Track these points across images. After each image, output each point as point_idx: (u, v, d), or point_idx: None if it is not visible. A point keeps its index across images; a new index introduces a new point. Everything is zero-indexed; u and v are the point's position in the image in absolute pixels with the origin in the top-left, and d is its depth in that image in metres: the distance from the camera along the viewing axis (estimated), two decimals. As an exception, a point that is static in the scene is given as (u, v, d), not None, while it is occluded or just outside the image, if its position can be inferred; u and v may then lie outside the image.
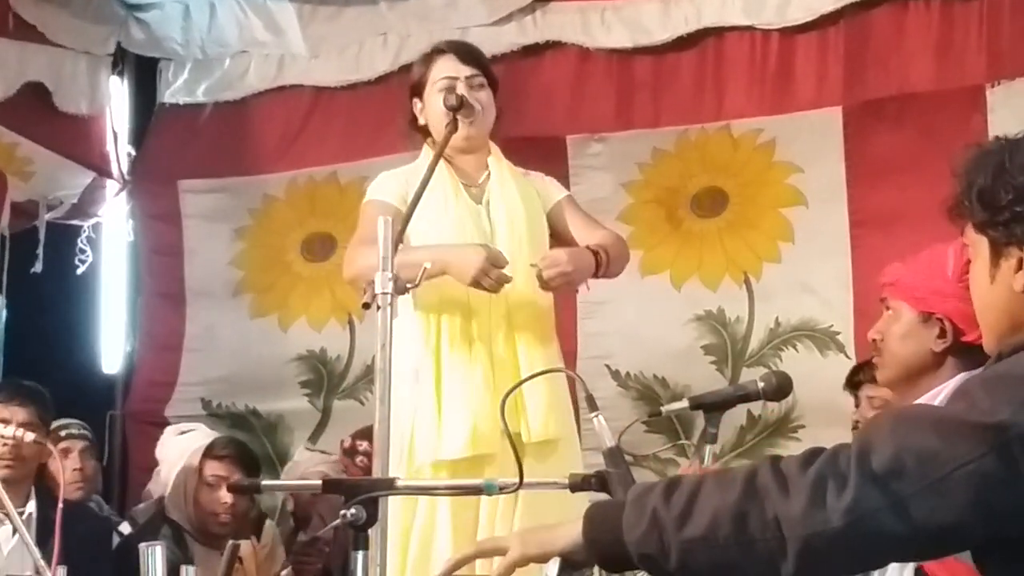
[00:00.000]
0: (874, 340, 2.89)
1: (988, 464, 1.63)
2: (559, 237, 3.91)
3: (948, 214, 1.95)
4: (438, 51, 3.92)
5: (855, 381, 4.44)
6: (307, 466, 5.33)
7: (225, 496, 4.71)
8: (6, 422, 4.25)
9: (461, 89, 3.80)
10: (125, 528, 5.19)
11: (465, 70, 3.86)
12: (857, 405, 4.41)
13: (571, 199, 4.02)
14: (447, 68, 3.86)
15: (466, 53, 3.93)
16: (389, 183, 3.88)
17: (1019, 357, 1.79)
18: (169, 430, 5.53)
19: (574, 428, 3.80)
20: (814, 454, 1.73)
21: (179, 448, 5.23)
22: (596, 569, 1.92)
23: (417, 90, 3.94)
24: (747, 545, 1.70)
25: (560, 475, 2.60)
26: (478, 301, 3.69)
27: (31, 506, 4.34)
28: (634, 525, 1.78)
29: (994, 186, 1.85)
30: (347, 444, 5.16)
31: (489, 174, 3.90)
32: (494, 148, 3.95)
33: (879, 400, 4.08)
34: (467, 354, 3.71)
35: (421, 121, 3.95)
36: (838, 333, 5.39)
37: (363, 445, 4.98)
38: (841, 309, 5.39)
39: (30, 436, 3.82)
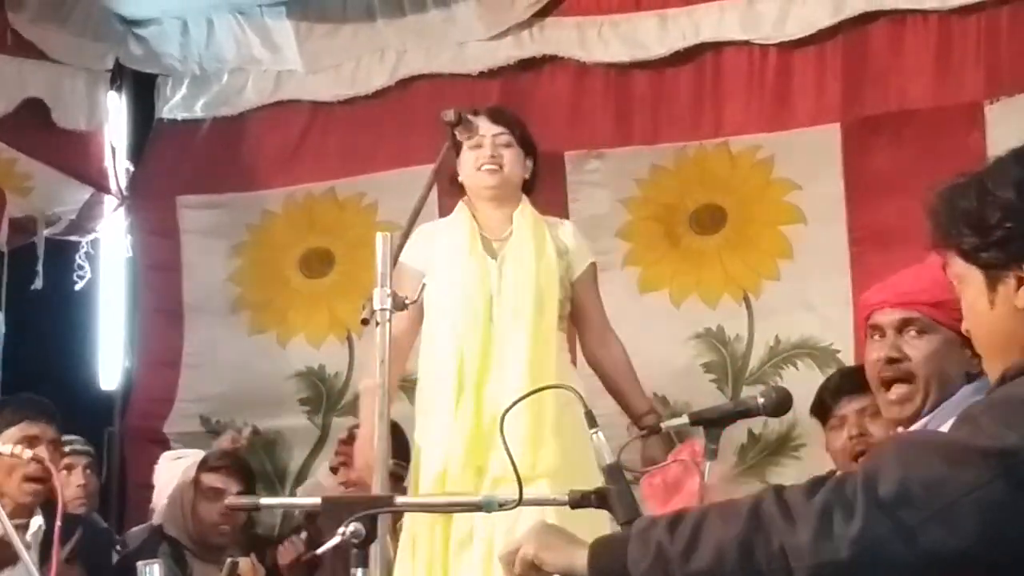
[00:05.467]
0: (891, 359, 2.82)
1: (996, 490, 1.62)
2: (573, 301, 4.20)
3: (932, 248, 1.92)
4: (474, 112, 4.11)
5: (827, 401, 3.96)
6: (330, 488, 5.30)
7: (224, 507, 4.70)
8: (37, 440, 4.23)
9: (488, 147, 4.11)
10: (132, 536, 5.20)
11: (493, 129, 4.15)
12: (833, 428, 3.94)
13: (592, 272, 4.25)
14: (476, 128, 4.02)
15: (498, 115, 4.23)
16: (415, 245, 3.96)
17: (1022, 380, 1.77)
18: (165, 456, 5.53)
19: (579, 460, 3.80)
20: (818, 482, 1.72)
21: (172, 474, 5.24)
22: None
23: (457, 149, 4.16)
24: None
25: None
26: (471, 355, 3.97)
27: (37, 521, 4.31)
28: (639, 560, 1.77)
29: (981, 208, 1.83)
30: (344, 436, 5.16)
31: (512, 231, 4.12)
32: (524, 204, 4.18)
33: (872, 408, 3.97)
34: (454, 404, 3.94)
35: (460, 178, 4.22)
36: (838, 351, 5.38)
37: None
38: (841, 327, 5.38)
39: (55, 456, 3.83)
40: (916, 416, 2.76)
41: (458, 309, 4.05)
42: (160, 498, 5.26)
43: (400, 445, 4.69)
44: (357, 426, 5.14)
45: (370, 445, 3.78)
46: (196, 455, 5.30)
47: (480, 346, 3.99)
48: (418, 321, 4.15)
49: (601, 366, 4.25)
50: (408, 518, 4.02)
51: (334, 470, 5.26)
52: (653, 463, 3.75)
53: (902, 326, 2.82)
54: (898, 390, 2.80)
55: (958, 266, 1.90)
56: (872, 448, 1.83)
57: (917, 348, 2.78)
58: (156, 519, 5.21)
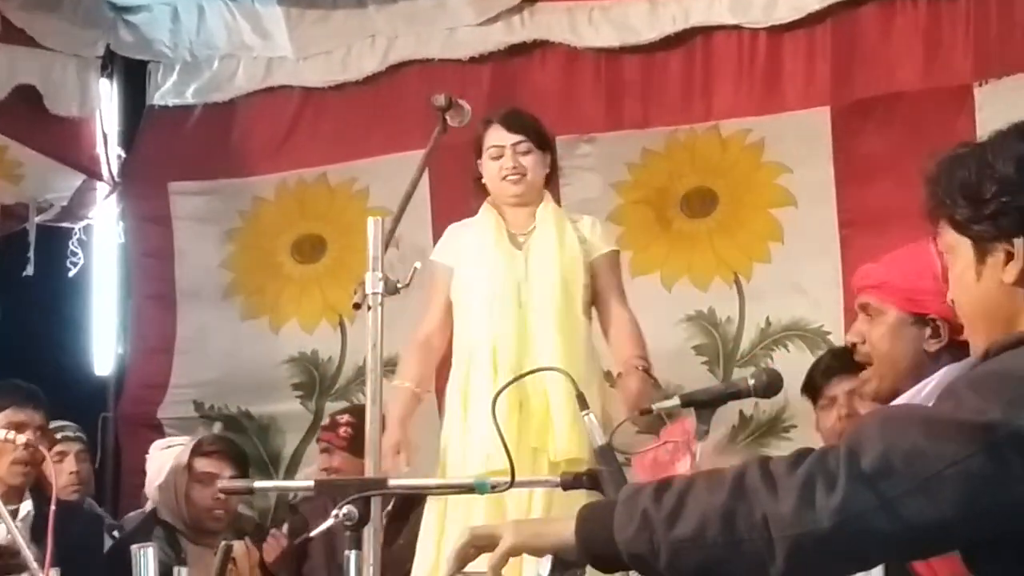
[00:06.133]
0: (854, 344, 2.88)
1: (977, 463, 1.62)
2: (593, 286, 4.31)
3: (926, 217, 1.93)
4: (488, 121, 4.34)
5: (818, 382, 4.15)
6: None
7: (217, 491, 4.71)
8: (24, 426, 4.26)
9: (508, 157, 4.26)
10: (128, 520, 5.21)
11: (511, 138, 4.29)
12: (823, 407, 4.12)
13: (611, 258, 4.38)
14: (495, 137, 4.31)
15: (512, 122, 4.34)
16: (444, 243, 4.43)
17: (1007, 355, 1.78)
18: (156, 444, 5.54)
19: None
20: (802, 454, 1.73)
21: (162, 461, 5.26)
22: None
23: (478, 153, 4.35)
24: (736, 545, 1.70)
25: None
26: (504, 339, 4.11)
27: (27, 506, 4.34)
28: (625, 525, 1.78)
29: (978, 179, 1.83)
30: (328, 422, 5.18)
31: (536, 225, 4.29)
32: (547, 200, 4.35)
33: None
34: (492, 386, 4.00)
35: (484, 181, 4.39)
36: (828, 333, 5.40)
37: (344, 418, 5.04)
38: (831, 309, 5.40)
39: (44, 441, 3.84)
40: (877, 395, 2.83)
41: (488, 297, 4.19)
42: (151, 486, 5.27)
43: None
44: (339, 413, 5.17)
45: (388, 451, 3.97)
46: (186, 442, 5.31)
47: (514, 330, 4.13)
48: (449, 319, 4.31)
49: (611, 341, 4.32)
50: (429, 504, 4.14)
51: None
52: (637, 406, 3.81)
53: (862, 311, 2.88)
54: (863, 373, 2.88)
55: (949, 236, 1.90)
56: (855, 423, 1.83)
57: (872, 329, 2.84)
58: (149, 506, 5.22)
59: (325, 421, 5.28)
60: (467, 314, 4.24)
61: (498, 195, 4.35)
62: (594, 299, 4.32)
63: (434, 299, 4.35)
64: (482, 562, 1.90)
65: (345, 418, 5.04)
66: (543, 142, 4.37)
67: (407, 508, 4.63)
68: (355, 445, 4.63)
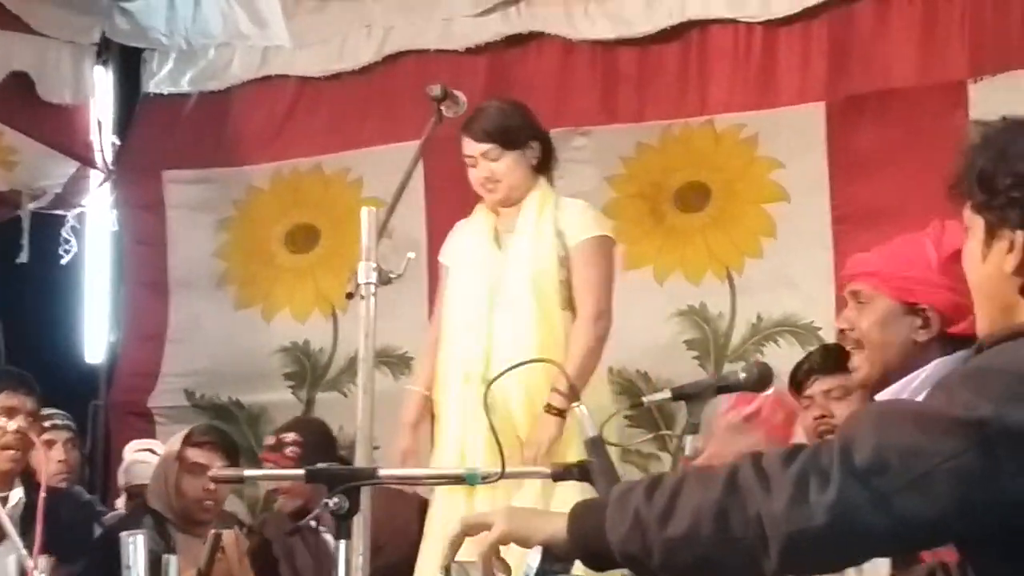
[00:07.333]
0: (843, 331, 2.89)
1: (970, 459, 1.63)
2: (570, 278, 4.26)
3: (949, 192, 1.94)
4: (460, 130, 4.29)
5: (800, 378, 4.13)
6: None
7: (207, 483, 4.70)
8: (15, 411, 4.26)
9: (481, 167, 4.25)
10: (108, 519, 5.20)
11: (479, 147, 4.25)
12: (807, 403, 4.09)
13: (585, 246, 4.26)
14: (467, 147, 4.29)
15: (476, 131, 4.27)
16: (447, 242, 4.46)
17: (1000, 349, 1.78)
18: (130, 446, 5.54)
19: None
20: (795, 451, 1.73)
21: (132, 461, 5.29)
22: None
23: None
24: (729, 543, 1.70)
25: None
26: (475, 343, 4.14)
27: (17, 493, 4.33)
28: (617, 524, 1.77)
29: (995, 170, 1.85)
30: (272, 441, 4.92)
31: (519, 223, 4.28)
32: (535, 191, 4.29)
33: (839, 390, 4.03)
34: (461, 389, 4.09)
35: None
36: (820, 328, 5.39)
37: (289, 436, 4.84)
38: (823, 304, 5.39)
39: (35, 427, 3.84)
40: (867, 381, 2.83)
41: (464, 298, 4.22)
42: (124, 486, 5.31)
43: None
44: (284, 430, 5.01)
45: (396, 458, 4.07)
46: (158, 445, 5.33)
47: (484, 333, 4.13)
48: None
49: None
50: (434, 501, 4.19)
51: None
52: (537, 452, 3.94)
53: (853, 298, 2.89)
54: (853, 359, 2.86)
55: (967, 213, 1.92)
56: (848, 419, 1.84)
57: (862, 317, 2.84)
58: (120, 503, 5.24)
59: (270, 440, 4.98)
60: (448, 318, 4.28)
61: (485, 199, 4.37)
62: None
63: (439, 300, 4.42)
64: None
65: (291, 436, 4.82)
66: (516, 140, 4.28)
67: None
68: (303, 465, 4.40)
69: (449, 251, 4.43)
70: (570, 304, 4.22)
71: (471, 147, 4.27)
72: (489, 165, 4.25)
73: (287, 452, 4.75)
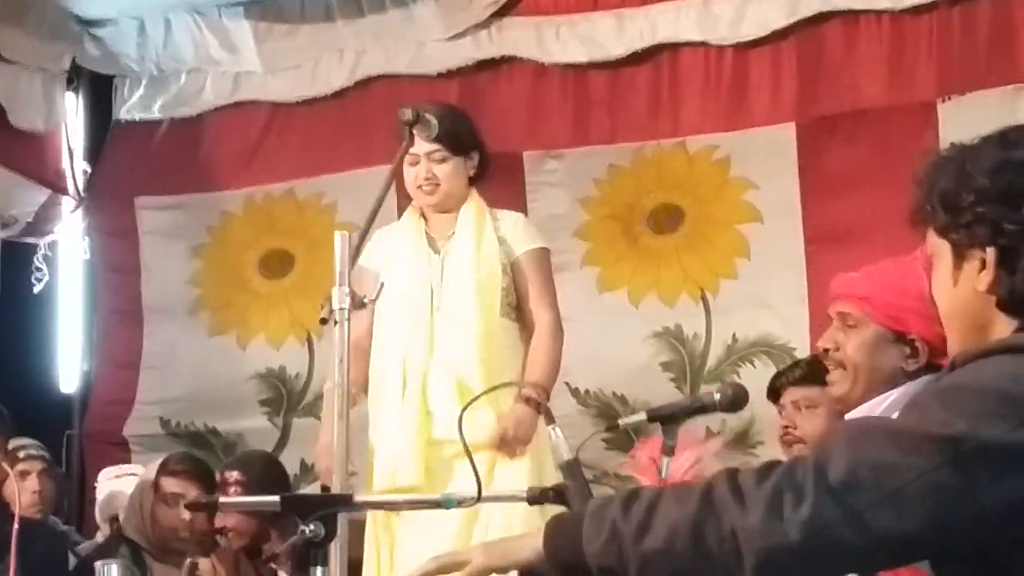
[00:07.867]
0: (826, 350, 2.90)
1: (943, 476, 1.63)
2: (517, 288, 4.24)
3: (910, 220, 1.94)
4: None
5: (776, 387, 4.25)
6: None
7: (183, 512, 4.68)
8: None
9: (423, 167, 4.20)
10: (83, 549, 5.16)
11: (426, 147, 4.17)
12: (780, 412, 4.22)
13: (532, 256, 4.26)
14: (413, 146, 4.12)
15: (428, 129, 4.17)
16: (372, 248, 4.12)
17: (974, 367, 1.78)
18: (105, 472, 5.50)
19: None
20: (770, 467, 1.73)
21: (108, 490, 5.24)
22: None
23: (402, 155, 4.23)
24: (705, 558, 1.70)
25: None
26: (415, 349, 4.10)
27: (-13, 524, 4.30)
28: (594, 537, 1.78)
29: (956, 189, 1.84)
30: (217, 479, 4.87)
31: (455, 230, 4.23)
32: (470, 201, 4.27)
33: (806, 401, 4.06)
34: (401, 395, 4.06)
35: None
36: (794, 349, 5.41)
37: (233, 475, 4.80)
38: (797, 325, 5.42)
39: (7, 458, 3.81)
40: (846, 397, 2.84)
41: (401, 305, 4.15)
42: (102, 515, 5.26)
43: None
44: (228, 468, 4.96)
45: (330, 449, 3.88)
46: (136, 469, 5.30)
47: (424, 338, 4.11)
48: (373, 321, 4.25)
49: (528, 353, 4.21)
50: (370, 519, 4.09)
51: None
52: (515, 436, 3.93)
53: (840, 319, 2.90)
54: (832, 375, 2.90)
55: (932, 239, 1.92)
56: (823, 436, 1.84)
57: (849, 339, 2.85)
58: (100, 535, 5.20)
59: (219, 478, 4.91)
60: (382, 323, 4.21)
61: (417, 201, 4.32)
62: (518, 301, 4.25)
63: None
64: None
65: (234, 476, 4.79)
66: (461, 146, 4.27)
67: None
68: None
69: (378, 257, 4.21)
70: (509, 311, 4.22)
71: (418, 144, 4.14)
72: (432, 166, 4.22)
73: (230, 492, 4.71)
